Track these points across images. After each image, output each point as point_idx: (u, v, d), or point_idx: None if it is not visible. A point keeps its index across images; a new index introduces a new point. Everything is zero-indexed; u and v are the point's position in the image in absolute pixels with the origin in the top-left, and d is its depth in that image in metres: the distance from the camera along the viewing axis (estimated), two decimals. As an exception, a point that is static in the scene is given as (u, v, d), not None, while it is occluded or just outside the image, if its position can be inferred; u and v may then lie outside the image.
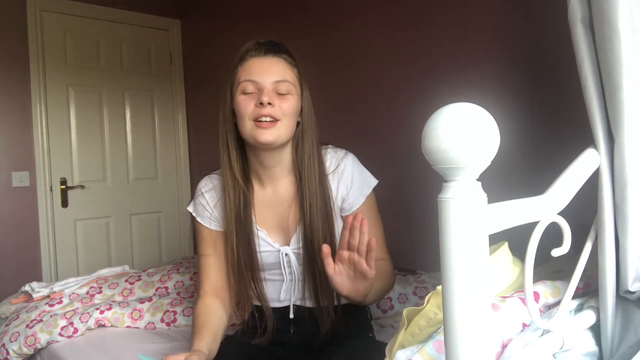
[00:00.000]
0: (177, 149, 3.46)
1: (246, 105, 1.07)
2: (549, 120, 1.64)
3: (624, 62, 0.65)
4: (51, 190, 2.90)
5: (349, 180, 1.16)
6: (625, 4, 0.64)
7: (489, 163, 0.49)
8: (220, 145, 1.15)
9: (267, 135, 1.05)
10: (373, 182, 1.20)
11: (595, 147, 0.70)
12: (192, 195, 1.27)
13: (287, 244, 1.17)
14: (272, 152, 1.12)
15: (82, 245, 3.03)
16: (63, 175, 2.94)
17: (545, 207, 0.61)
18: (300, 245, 1.15)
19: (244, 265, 1.15)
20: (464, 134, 0.46)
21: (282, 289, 1.18)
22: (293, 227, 1.16)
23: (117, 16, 3.14)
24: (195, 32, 3.38)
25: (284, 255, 1.16)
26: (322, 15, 2.45)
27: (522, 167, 1.62)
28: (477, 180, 0.49)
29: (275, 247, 1.16)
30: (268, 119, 1.05)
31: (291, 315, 1.18)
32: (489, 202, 0.50)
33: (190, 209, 1.24)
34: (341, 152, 1.19)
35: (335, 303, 1.15)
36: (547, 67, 1.65)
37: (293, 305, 1.19)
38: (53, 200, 2.91)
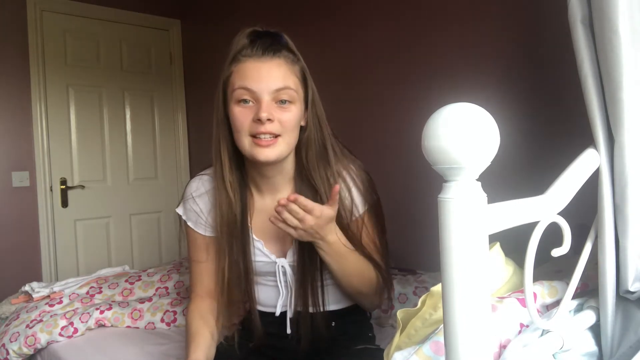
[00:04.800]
0: (177, 149, 3.45)
1: (243, 119, 0.98)
2: (549, 120, 1.64)
3: (624, 62, 0.65)
4: (51, 190, 2.90)
5: (346, 196, 1.07)
6: (625, 4, 0.64)
7: (489, 163, 0.49)
8: (213, 153, 1.06)
9: (267, 153, 0.97)
10: (371, 199, 1.10)
11: (595, 147, 0.70)
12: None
13: (284, 255, 1.11)
14: (273, 165, 1.04)
15: (82, 245, 3.03)
16: (63, 175, 2.94)
17: (545, 207, 0.61)
18: (296, 258, 1.09)
19: (238, 275, 1.09)
20: (464, 134, 0.46)
21: (279, 302, 1.13)
22: (290, 237, 1.07)
23: (117, 16, 3.14)
24: (195, 32, 3.38)
25: (279, 267, 1.11)
26: (323, 15, 2.45)
27: (522, 167, 1.61)
28: (477, 180, 0.49)
29: (272, 259, 1.11)
30: (268, 136, 0.97)
31: (288, 331, 1.12)
32: (489, 202, 0.50)
33: (180, 211, 1.16)
34: (354, 164, 1.11)
35: (333, 308, 1.13)
36: (547, 67, 1.65)
37: (292, 311, 1.13)
38: (53, 200, 2.91)
